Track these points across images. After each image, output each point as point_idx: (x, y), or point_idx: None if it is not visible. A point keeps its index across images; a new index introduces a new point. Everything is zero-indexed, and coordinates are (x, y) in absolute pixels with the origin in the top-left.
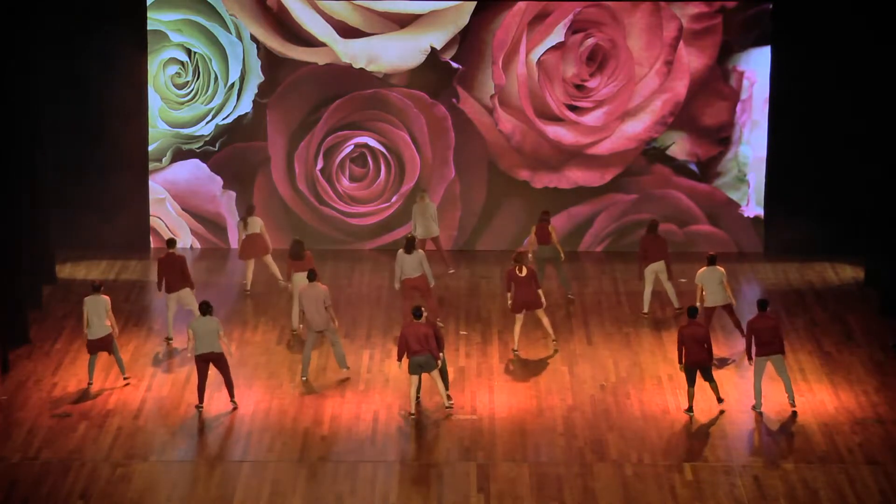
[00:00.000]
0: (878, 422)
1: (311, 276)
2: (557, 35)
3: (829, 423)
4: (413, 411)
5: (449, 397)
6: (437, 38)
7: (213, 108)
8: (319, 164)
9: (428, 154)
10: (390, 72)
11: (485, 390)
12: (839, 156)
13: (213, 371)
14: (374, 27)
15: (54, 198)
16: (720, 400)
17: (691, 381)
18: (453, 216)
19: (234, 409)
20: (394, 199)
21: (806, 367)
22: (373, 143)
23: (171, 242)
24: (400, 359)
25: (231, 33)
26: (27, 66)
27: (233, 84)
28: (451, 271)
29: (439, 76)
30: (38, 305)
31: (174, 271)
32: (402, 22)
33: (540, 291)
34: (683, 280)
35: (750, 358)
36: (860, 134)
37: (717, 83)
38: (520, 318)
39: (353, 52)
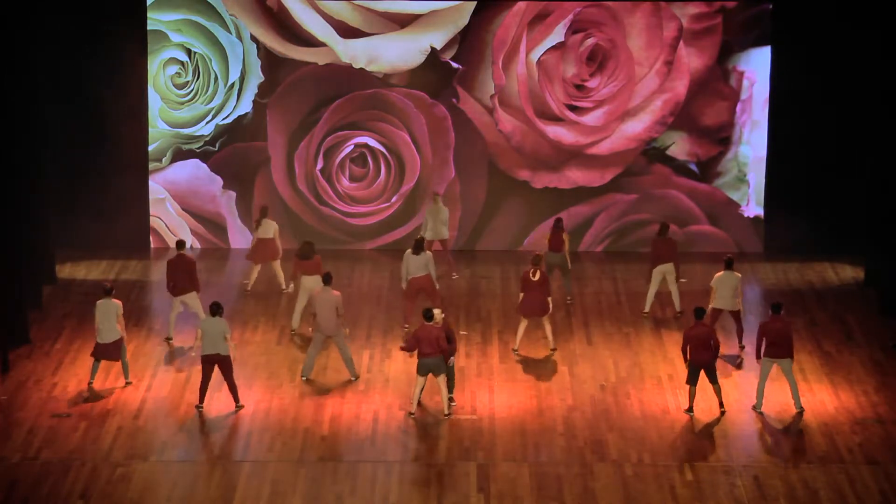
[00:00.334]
0: (878, 422)
1: (327, 280)
2: (557, 35)
3: (829, 423)
4: (413, 411)
5: (449, 404)
6: (437, 38)
7: (213, 108)
8: (319, 164)
9: (428, 154)
10: (390, 72)
11: (485, 390)
12: (839, 156)
13: (214, 371)
14: (374, 27)
15: (54, 198)
16: (722, 408)
17: (693, 381)
18: (453, 216)
19: (240, 408)
20: (394, 199)
21: (806, 367)
22: (373, 143)
23: (181, 244)
24: (410, 351)
25: (231, 33)
26: (27, 66)
27: (233, 84)
28: (455, 276)
29: (439, 76)
30: (38, 305)
31: (182, 273)
32: (402, 22)
33: (549, 299)
34: (684, 280)
35: (758, 357)
36: (860, 134)
37: (717, 83)
38: (525, 321)
39: (354, 52)
